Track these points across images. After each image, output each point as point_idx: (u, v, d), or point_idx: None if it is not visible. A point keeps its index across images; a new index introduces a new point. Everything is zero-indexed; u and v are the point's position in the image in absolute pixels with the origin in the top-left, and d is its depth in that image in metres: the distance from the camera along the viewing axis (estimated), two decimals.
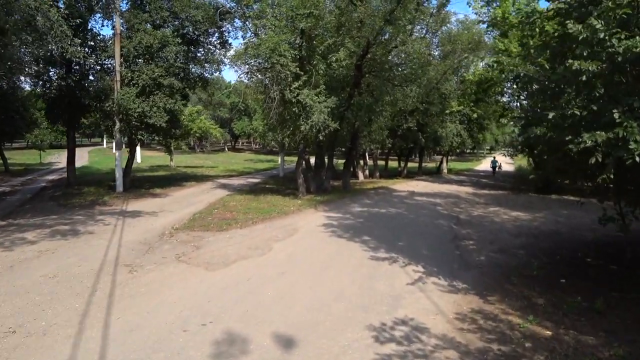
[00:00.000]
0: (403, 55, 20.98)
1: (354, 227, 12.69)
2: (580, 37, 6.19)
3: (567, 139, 6.18)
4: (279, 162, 35.43)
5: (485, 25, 23.23)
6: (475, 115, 32.91)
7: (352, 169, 32.92)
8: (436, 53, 30.48)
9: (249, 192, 21.21)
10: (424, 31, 26.73)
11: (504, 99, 28.09)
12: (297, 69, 17.13)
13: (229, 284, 7.63)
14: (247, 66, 18.82)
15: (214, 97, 58.83)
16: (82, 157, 42.86)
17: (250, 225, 13.05)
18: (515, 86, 24.60)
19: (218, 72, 39.72)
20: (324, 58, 18.68)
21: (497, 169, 42.25)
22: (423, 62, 21.29)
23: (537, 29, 9.01)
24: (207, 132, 53.67)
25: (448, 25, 29.51)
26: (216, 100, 67.82)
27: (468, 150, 75.70)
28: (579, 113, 6.19)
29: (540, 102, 8.20)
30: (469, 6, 29.37)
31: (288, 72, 16.91)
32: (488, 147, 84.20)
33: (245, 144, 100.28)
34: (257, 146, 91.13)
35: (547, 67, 7.50)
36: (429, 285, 7.78)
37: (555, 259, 9.96)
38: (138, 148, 30.79)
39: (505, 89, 25.78)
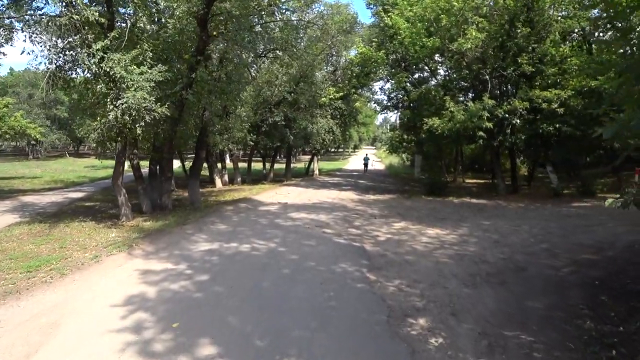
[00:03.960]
0: (269, 8, 14.96)
1: (186, 309, 6.14)
2: None
3: None
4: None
5: None
6: (357, 104, 28.55)
7: (211, 175, 26.45)
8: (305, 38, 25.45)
9: (50, 218, 13.60)
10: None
11: (387, 86, 24.06)
12: (102, 18, 10.59)
13: None
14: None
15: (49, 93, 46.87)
16: None
17: None
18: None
19: None
20: (145, 6, 12.15)
21: (368, 166, 40.66)
22: (298, 24, 15.63)
23: None
24: (23, 132, 42.26)
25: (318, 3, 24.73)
26: (52, 97, 55.53)
27: (332, 149, 73.25)
28: None
29: None
30: None
31: (84, 21, 10.27)
32: (353, 146, 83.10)
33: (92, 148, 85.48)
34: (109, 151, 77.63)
35: None
36: None
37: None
38: None
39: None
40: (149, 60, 12.21)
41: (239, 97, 17.15)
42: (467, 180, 30.21)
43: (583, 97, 16.79)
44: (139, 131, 11.60)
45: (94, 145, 17.98)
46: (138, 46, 12.11)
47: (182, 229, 11.70)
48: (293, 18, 16.11)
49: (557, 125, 16.49)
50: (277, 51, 17.13)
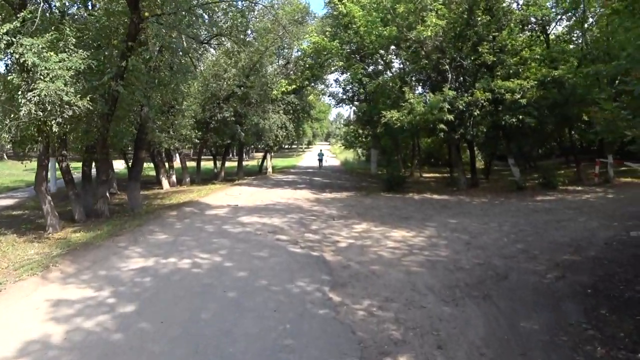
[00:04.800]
0: None
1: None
2: None
3: None
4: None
5: None
6: (311, 98, 27.23)
7: (157, 176, 24.48)
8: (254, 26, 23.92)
9: None
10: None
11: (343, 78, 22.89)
12: None
13: None
14: None
15: None
16: None
17: None
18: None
19: None
20: None
21: (323, 162, 39.70)
22: (243, 7, 14.10)
23: None
24: None
25: None
26: None
27: (286, 146, 71.78)
28: None
29: None
30: None
31: None
32: (307, 142, 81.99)
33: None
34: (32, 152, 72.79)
35: None
36: None
37: None
38: None
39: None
40: (71, 46, 10.49)
41: (180, 90, 15.48)
42: (424, 175, 29.60)
43: (545, 87, 16.24)
44: (55, 128, 9.84)
45: (8, 146, 15.88)
46: (53, 28, 10.34)
47: (114, 242, 9.98)
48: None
49: (520, 117, 15.83)
50: (222, 38, 15.56)
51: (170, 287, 6.78)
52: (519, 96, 15.56)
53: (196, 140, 23.24)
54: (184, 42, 14.00)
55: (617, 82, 14.27)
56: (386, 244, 9.55)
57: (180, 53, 14.58)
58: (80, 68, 10.08)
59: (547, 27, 18.85)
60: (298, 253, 8.68)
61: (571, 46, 19.25)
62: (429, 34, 15.77)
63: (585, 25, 18.33)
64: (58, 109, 9.78)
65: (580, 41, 18.88)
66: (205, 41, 15.05)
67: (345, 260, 8.19)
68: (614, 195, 15.11)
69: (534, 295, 6.44)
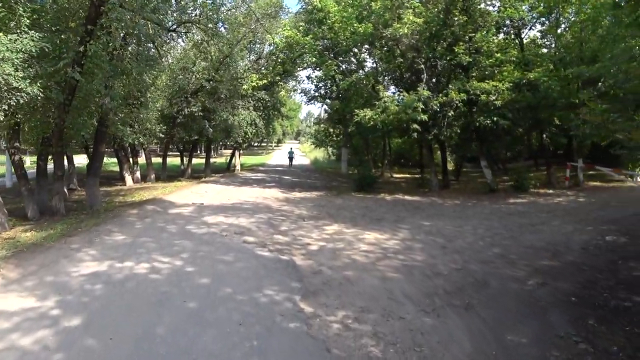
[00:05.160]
0: None
1: None
2: None
3: None
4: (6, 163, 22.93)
5: None
6: (282, 93, 26.53)
7: (121, 172, 23.34)
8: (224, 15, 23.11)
9: None
10: None
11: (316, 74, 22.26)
12: None
13: None
14: None
15: None
16: None
17: None
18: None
19: None
20: None
21: (293, 160, 39.59)
22: None
23: None
24: None
25: None
26: None
27: (255, 143, 70.81)
28: None
29: None
30: None
31: None
32: (276, 140, 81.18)
33: None
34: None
35: None
36: None
37: None
38: None
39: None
40: (24, 28, 9.61)
41: (144, 80, 14.61)
42: (395, 175, 29.41)
43: (519, 89, 16.13)
44: (0, 117, 8.96)
45: None
46: (6, 6, 9.43)
47: (67, 243, 9.12)
48: None
49: (495, 119, 15.64)
50: (191, 26, 14.76)
51: (124, 296, 6.07)
52: (493, 98, 15.38)
53: (161, 135, 22.27)
54: (150, 29, 13.16)
55: (599, 83, 14.30)
56: (359, 247, 9.06)
57: (144, 40, 13.72)
58: (32, 51, 9.24)
59: (522, 31, 18.79)
60: (266, 257, 8.06)
61: (544, 50, 19.28)
62: (406, 31, 15.41)
63: (559, 31, 18.40)
64: (6, 95, 8.92)
65: (553, 46, 18.95)
66: (172, 28, 14.20)
67: (317, 264, 7.64)
68: (585, 199, 15.11)
69: (518, 304, 6.07)
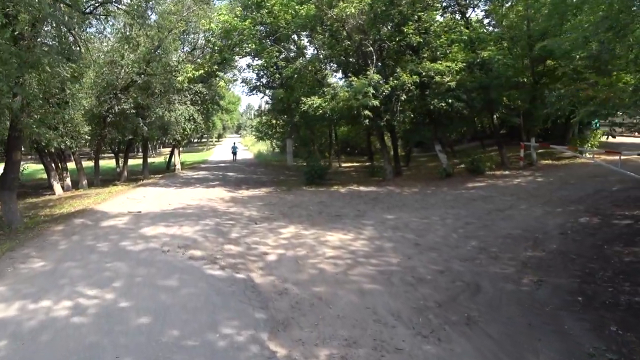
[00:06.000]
0: None
1: None
2: None
3: None
4: None
5: None
6: (221, 84, 24.75)
7: (49, 180, 20.90)
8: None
9: None
10: None
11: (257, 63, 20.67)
12: None
13: None
14: None
15: None
16: None
17: None
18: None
19: None
20: None
21: (237, 155, 38.36)
22: None
23: None
24: None
25: None
26: None
27: (195, 140, 67.99)
28: None
29: None
30: None
31: None
32: (217, 135, 78.56)
33: None
34: None
35: None
36: None
37: None
38: None
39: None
40: None
41: (61, 74, 12.65)
42: (343, 165, 28.57)
43: (471, 70, 15.53)
44: None
45: None
46: None
47: None
48: None
49: (450, 101, 14.93)
50: (114, 9, 12.90)
51: (35, 358, 4.58)
52: (448, 79, 14.64)
53: (87, 137, 20.03)
54: (64, 14, 11.28)
55: (547, 61, 13.86)
56: (324, 253, 7.92)
57: (56, 26, 11.80)
58: None
59: (466, 11, 18.21)
60: (218, 277, 6.68)
61: (491, 28, 18.86)
62: (353, 10, 14.31)
63: (502, 11, 17.94)
64: None
65: (497, 26, 18.52)
66: (89, 11, 12.35)
67: (280, 281, 6.41)
68: (543, 179, 14.77)
69: (524, 312, 5.18)
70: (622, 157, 14.06)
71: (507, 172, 16.55)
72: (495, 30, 18.20)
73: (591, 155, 16.03)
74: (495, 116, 18.15)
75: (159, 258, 7.75)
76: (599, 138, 19.15)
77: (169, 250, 8.25)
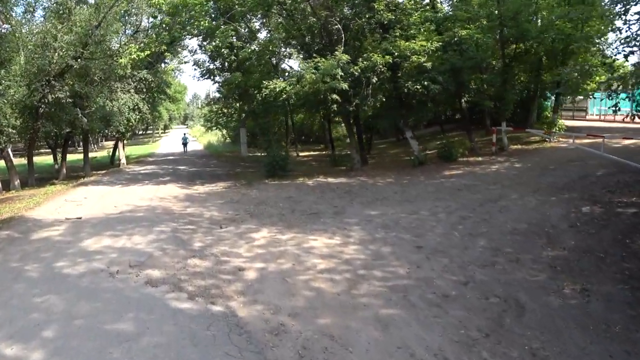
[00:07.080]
0: None
1: None
2: None
3: None
4: None
5: None
6: (170, 67, 22.58)
7: None
8: None
9: None
10: None
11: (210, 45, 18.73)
12: None
13: None
14: None
15: None
16: None
17: None
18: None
19: None
20: None
21: (187, 146, 36.86)
22: None
23: None
24: None
25: None
26: None
27: (140, 131, 64.36)
28: None
29: None
30: None
31: None
32: (163, 126, 74.88)
33: None
34: None
35: None
36: None
37: None
38: None
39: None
40: None
41: None
42: (301, 154, 27.25)
43: (446, 50, 14.51)
44: None
45: None
46: None
47: None
48: None
49: (426, 83, 13.83)
50: None
51: None
52: (423, 59, 13.54)
53: (10, 130, 17.51)
54: None
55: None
56: (314, 265, 6.57)
57: None
58: None
59: None
60: (188, 313, 5.08)
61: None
62: None
63: None
64: None
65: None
66: None
67: (271, 312, 4.97)
68: (520, 165, 14.09)
69: (594, 339, 4.14)
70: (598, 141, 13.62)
71: (480, 159, 15.80)
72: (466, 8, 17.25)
73: (572, 140, 15.48)
74: (463, 100, 17.27)
75: (105, 285, 6.02)
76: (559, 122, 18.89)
77: (118, 271, 6.52)
